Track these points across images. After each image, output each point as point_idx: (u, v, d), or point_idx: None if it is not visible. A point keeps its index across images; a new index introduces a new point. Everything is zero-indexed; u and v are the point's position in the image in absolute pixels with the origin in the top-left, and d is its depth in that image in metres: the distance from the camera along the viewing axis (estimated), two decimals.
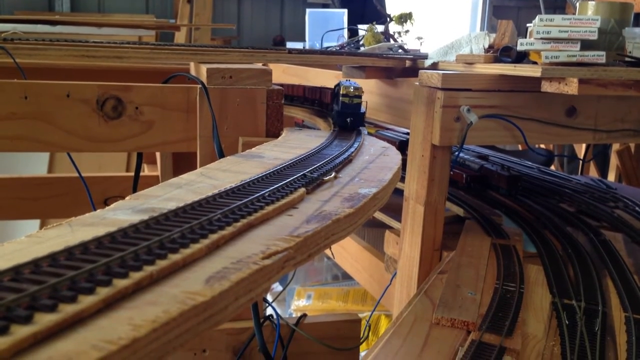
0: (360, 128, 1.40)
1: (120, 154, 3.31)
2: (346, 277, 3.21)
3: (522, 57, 1.28)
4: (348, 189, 0.81)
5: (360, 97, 1.29)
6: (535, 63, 1.21)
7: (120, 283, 0.44)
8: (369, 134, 1.46)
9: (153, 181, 2.03)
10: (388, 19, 2.08)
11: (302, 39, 4.57)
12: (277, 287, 3.15)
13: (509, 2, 6.11)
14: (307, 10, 4.43)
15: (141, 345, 0.39)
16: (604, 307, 1.06)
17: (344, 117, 1.28)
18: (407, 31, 2.04)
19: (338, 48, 2.09)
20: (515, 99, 1.32)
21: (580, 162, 3.04)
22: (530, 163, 2.34)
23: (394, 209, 1.50)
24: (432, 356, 0.91)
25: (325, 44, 2.88)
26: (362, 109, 1.30)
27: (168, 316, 0.42)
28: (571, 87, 1.13)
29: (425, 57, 1.57)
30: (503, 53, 1.32)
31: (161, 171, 2.00)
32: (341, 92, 1.28)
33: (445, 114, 1.26)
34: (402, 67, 1.60)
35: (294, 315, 3.04)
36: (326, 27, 3.66)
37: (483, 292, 1.10)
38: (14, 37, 1.26)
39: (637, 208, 1.74)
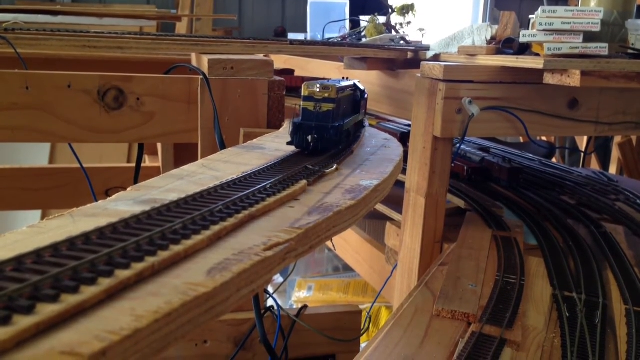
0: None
1: (121, 144, 3.31)
2: (347, 268, 3.22)
3: (524, 49, 1.27)
4: (349, 181, 0.81)
5: (333, 101, 0.88)
6: (537, 55, 1.21)
7: (122, 274, 0.44)
8: (371, 125, 1.45)
9: (154, 172, 2.03)
10: (390, 11, 2.07)
11: (303, 30, 4.56)
12: (278, 278, 3.15)
13: None
14: (309, 2, 4.41)
15: (143, 336, 0.39)
16: (605, 299, 1.06)
17: (303, 132, 0.88)
18: (409, 22, 2.04)
19: (340, 39, 2.08)
20: (517, 90, 1.31)
21: (582, 154, 3.03)
22: (531, 155, 2.34)
23: (395, 200, 1.50)
24: (433, 348, 0.91)
25: (327, 35, 2.87)
26: (338, 122, 0.90)
27: (170, 307, 0.42)
28: (573, 79, 1.13)
29: (427, 48, 1.56)
30: (505, 45, 1.31)
31: (162, 162, 2.00)
32: (302, 94, 0.90)
33: (447, 106, 1.26)
34: (404, 59, 1.59)
35: (294, 307, 3.05)
36: (328, 18, 3.65)
37: (484, 284, 1.10)
38: (15, 27, 1.26)
39: (638, 201, 1.74)
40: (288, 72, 1.66)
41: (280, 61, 2.24)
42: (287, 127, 1.18)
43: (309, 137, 0.87)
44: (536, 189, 1.80)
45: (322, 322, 1.32)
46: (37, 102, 1.13)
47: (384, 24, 2.01)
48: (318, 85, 0.88)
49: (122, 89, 1.16)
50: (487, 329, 0.92)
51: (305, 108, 0.88)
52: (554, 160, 2.96)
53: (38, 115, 1.13)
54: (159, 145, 2.16)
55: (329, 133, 0.87)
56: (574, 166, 2.86)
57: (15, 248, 0.47)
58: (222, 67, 1.15)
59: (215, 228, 0.56)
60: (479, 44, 1.40)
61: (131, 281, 0.45)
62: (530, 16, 1.28)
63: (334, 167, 0.85)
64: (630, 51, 1.29)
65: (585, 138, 3.01)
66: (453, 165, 1.46)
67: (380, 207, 1.59)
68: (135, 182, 1.20)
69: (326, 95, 0.88)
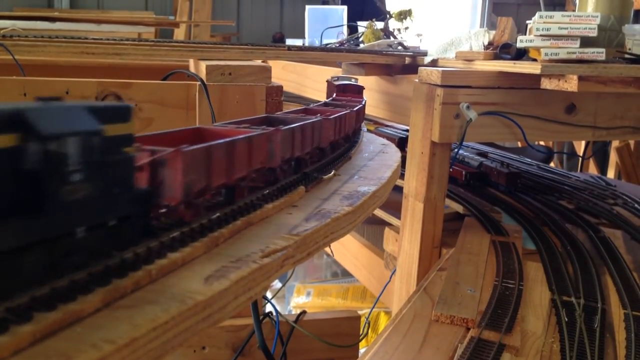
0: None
1: None
2: (346, 274, 3.21)
3: (521, 54, 1.28)
4: (347, 187, 0.81)
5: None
6: (534, 60, 1.21)
7: (119, 282, 0.44)
8: (369, 131, 1.45)
9: None
10: (388, 16, 2.07)
11: (301, 35, 4.56)
12: (276, 284, 3.15)
13: None
14: (307, 7, 4.42)
15: (140, 344, 0.39)
16: (603, 304, 1.06)
17: None
18: (406, 28, 2.04)
19: (338, 45, 2.09)
20: (515, 96, 1.31)
21: (580, 159, 3.04)
22: (529, 160, 2.34)
23: (394, 206, 1.50)
24: (432, 353, 0.91)
25: (325, 41, 2.87)
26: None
27: (167, 315, 0.42)
28: (571, 84, 1.13)
29: (424, 54, 1.56)
30: (503, 50, 1.31)
31: None
32: None
33: (445, 111, 1.26)
34: (402, 64, 1.60)
35: (293, 312, 3.04)
36: (326, 23, 3.65)
37: (482, 289, 1.10)
38: (13, 33, 1.26)
39: (636, 205, 1.74)
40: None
41: (279, 67, 2.24)
42: None
43: None
44: (534, 193, 1.80)
45: (320, 328, 1.31)
46: None
47: (381, 29, 2.01)
48: None
49: (120, 95, 1.16)
50: (485, 334, 0.92)
51: None
52: (552, 164, 2.96)
53: None
54: None
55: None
56: (572, 171, 2.86)
57: None
58: (220, 73, 1.15)
59: (213, 235, 0.56)
60: (477, 49, 1.40)
61: (128, 289, 0.45)
62: (528, 21, 1.28)
63: (332, 172, 0.85)
64: (627, 56, 1.29)
65: (583, 142, 3.02)
66: (451, 170, 1.46)
67: (379, 212, 1.59)
68: None
69: None
